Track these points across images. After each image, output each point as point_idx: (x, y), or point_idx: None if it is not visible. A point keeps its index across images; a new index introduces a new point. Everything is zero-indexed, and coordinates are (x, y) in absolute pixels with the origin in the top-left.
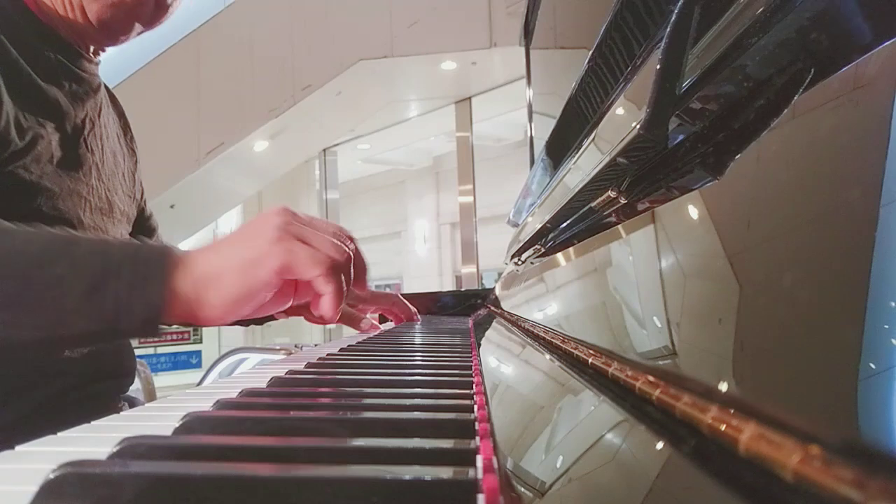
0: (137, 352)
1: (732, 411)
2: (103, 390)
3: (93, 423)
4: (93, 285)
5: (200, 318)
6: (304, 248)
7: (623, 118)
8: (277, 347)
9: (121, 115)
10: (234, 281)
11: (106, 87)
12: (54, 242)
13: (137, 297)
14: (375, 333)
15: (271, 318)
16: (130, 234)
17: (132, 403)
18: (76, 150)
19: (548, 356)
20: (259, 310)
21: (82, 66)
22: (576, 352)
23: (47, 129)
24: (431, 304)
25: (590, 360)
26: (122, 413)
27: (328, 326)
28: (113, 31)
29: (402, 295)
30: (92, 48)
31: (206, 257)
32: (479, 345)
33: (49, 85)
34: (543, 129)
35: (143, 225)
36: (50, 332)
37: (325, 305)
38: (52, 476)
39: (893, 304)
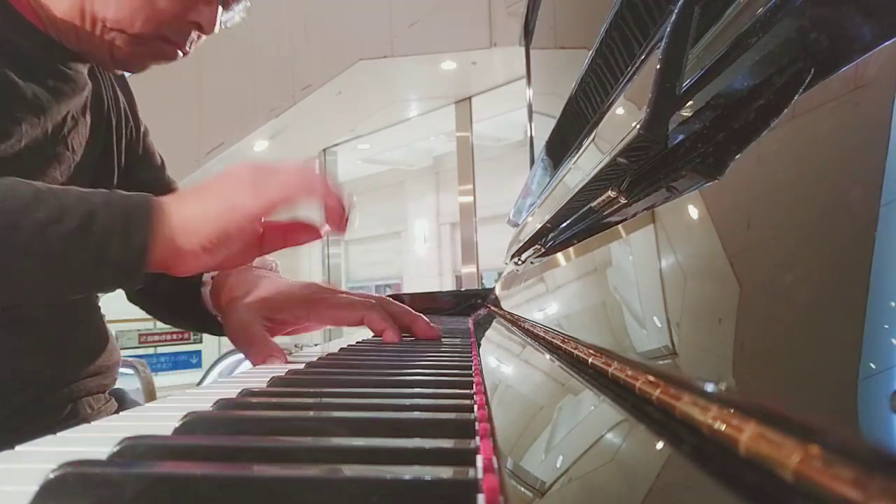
0: (137, 352)
1: (732, 411)
2: (82, 391)
3: (93, 423)
4: (79, 228)
5: (177, 265)
6: (274, 184)
7: (623, 118)
8: None
9: (130, 99)
10: (212, 228)
11: (107, 75)
12: (40, 191)
13: (119, 242)
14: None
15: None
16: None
17: (122, 400)
18: (53, 147)
19: (548, 356)
20: (227, 262)
21: (68, 64)
22: (576, 352)
23: (22, 128)
24: (431, 303)
25: (590, 360)
26: (122, 413)
27: (328, 327)
28: (126, 67)
29: (400, 296)
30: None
31: (186, 207)
32: (479, 345)
33: (27, 82)
34: (543, 129)
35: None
36: (38, 277)
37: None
38: (52, 476)
39: (893, 304)
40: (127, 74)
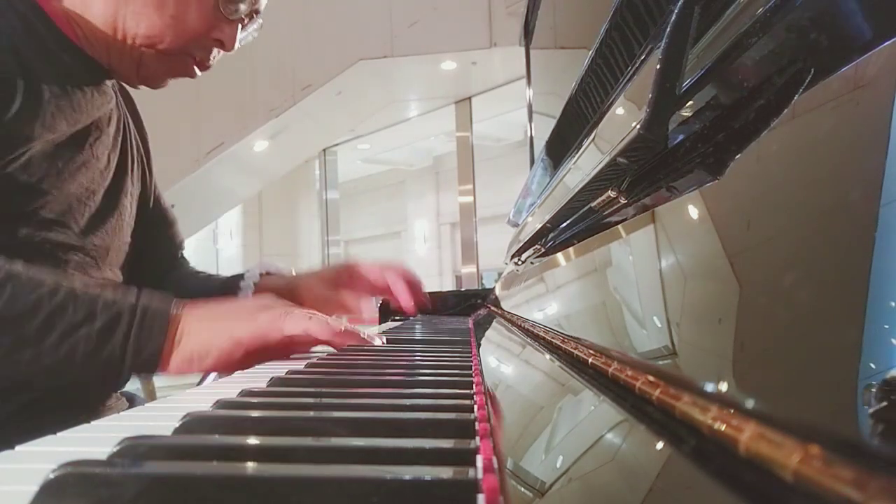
0: None
1: (732, 411)
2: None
3: (93, 423)
4: (99, 337)
5: (171, 371)
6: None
7: (623, 118)
8: None
9: (134, 114)
10: (214, 359)
11: (122, 90)
12: (76, 293)
13: (133, 353)
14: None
15: None
16: (148, 230)
17: (132, 401)
18: (81, 154)
19: (548, 356)
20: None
21: (99, 77)
22: (576, 352)
23: (57, 132)
24: (431, 303)
25: (590, 360)
26: (121, 413)
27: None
28: (149, 83)
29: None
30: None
31: (198, 335)
32: (479, 345)
33: (67, 91)
34: (543, 129)
35: (160, 217)
36: (59, 373)
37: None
38: (52, 476)
39: (893, 304)
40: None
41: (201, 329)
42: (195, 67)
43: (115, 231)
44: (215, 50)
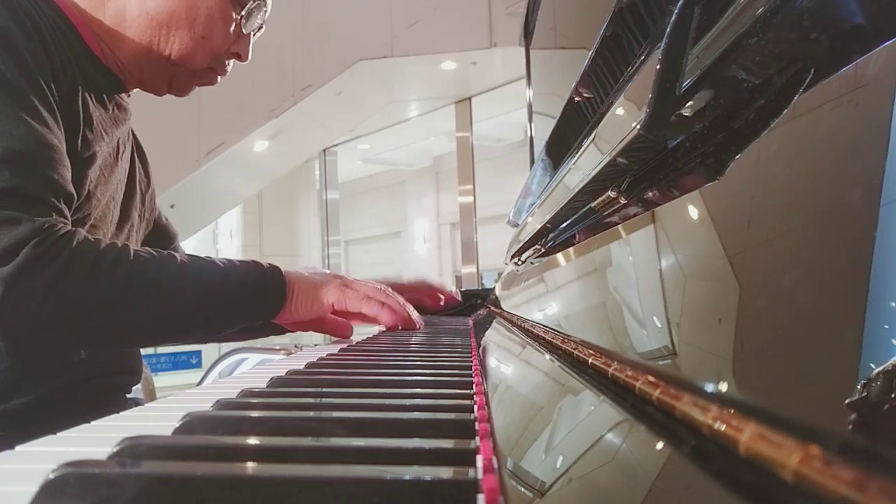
0: None
1: (732, 411)
2: (110, 385)
3: (93, 423)
4: (243, 300)
5: (282, 319)
6: (349, 292)
7: (623, 118)
8: (277, 347)
9: (137, 144)
10: (307, 309)
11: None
12: (221, 272)
13: (264, 305)
14: (374, 334)
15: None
16: (152, 245)
17: (139, 406)
18: (113, 169)
19: (548, 356)
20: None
21: (121, 94)
22: (576, 352)
23: (100, 150)
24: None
25: (590, 360)
26: (122, 413)
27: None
28: (178, 93)
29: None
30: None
31: (299, 293)
32: (480, 345)
33: (98, 109)
34: (543, 129)
35: (163, 234)
36: (216, 327)
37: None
38: (52, 476)
39: (893, 304)
40: None
41: (307, 290)
42: (218, 76)
43: (127, 241)
44: (232, 60)
